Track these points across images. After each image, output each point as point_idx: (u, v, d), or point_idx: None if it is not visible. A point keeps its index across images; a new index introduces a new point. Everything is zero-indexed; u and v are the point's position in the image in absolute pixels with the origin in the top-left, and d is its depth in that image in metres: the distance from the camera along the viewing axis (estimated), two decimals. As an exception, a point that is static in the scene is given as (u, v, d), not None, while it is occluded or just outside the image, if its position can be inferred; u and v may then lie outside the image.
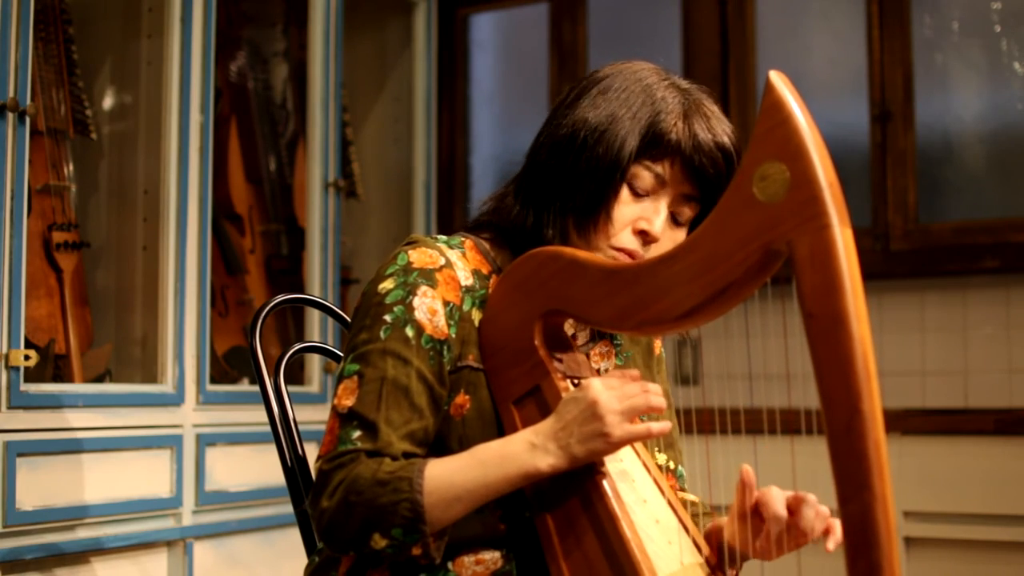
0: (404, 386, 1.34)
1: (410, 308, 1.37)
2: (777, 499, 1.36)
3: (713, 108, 1.43)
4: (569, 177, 1.40)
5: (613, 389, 1.30)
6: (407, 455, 1.34)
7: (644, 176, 1.40)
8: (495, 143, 3.90)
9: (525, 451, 1.30)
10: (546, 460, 1.29)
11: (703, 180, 1.40)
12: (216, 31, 2.70)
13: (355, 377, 1.36)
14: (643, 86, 1.41)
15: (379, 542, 1.30)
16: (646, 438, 1.31)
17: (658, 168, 1.39)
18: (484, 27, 3.94)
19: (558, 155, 1.41)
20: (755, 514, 1.38)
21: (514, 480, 1.30)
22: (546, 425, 1.31)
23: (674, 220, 1.43)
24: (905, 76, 3.25)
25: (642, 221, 1.40)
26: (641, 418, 1.38)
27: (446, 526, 1.31)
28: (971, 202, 3.25)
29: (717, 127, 1.40)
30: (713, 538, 1.43)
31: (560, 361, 1.41)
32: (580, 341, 1.51)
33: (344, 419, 1.35)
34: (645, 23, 3.68)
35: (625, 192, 1.40)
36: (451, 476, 1.30)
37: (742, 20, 3.45)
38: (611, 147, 1.38)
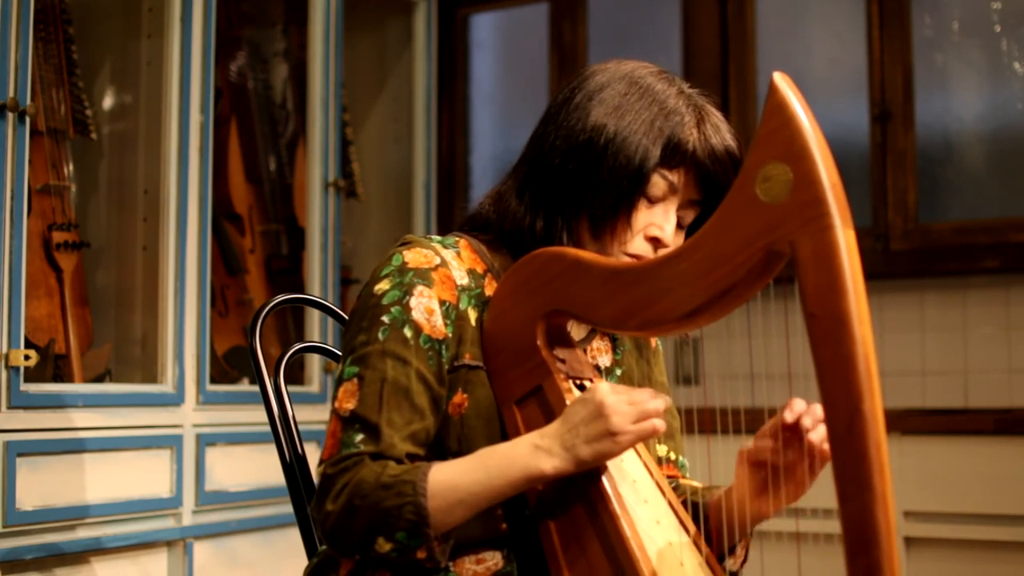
0: (404, 387, 1.34)
1: (407, 308, 1.37)
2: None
3: (718, 113, 1.43)
4: (588, 184, 1.39)
5: (621, 393, 1.30)
6: (410, 456, 1.34)
7: (659, 184, 1.40)
8: (495, 143, 3.90)
9: (529, 453, 1.30)
10: (550, 462, 1.29)
11: (710, 186, 1.41)
12: (216, 31, 2.70)
13: (355, 379, 1.36)
14: (654, 92, 1.41)
15: (383, 546, 1.30)
16: (653, 435, 1.30)
17: (672, 176, 1.40)
18: (484, 27, 3.94)
19: (576, 160, 1.40)
20: (755, 464, 1.39)
21: (517, 483, 1.30)
22: (552, 428, 1.31)
23: (677, 224, 1.44)
24: (905, 76, 3.25)
25: (653, 227, 1.41)
26: None
27: (451, 529, 1.31)
28: (971, 202, 3.25)
29: (726, 134, 1.42)
30: (720, 505, 1.43)
31: (562, 361, 1.41)
32: (578, 336, 1.51)
33: (346, 422, 1.34)
34: (645, 23, 3.68)
35: (641, 199, 1.40)
36: (455, 479, 1.29)
37: (742, 20, 3.45)
38: (633, 156, 1.37)
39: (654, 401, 1.29)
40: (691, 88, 1.45)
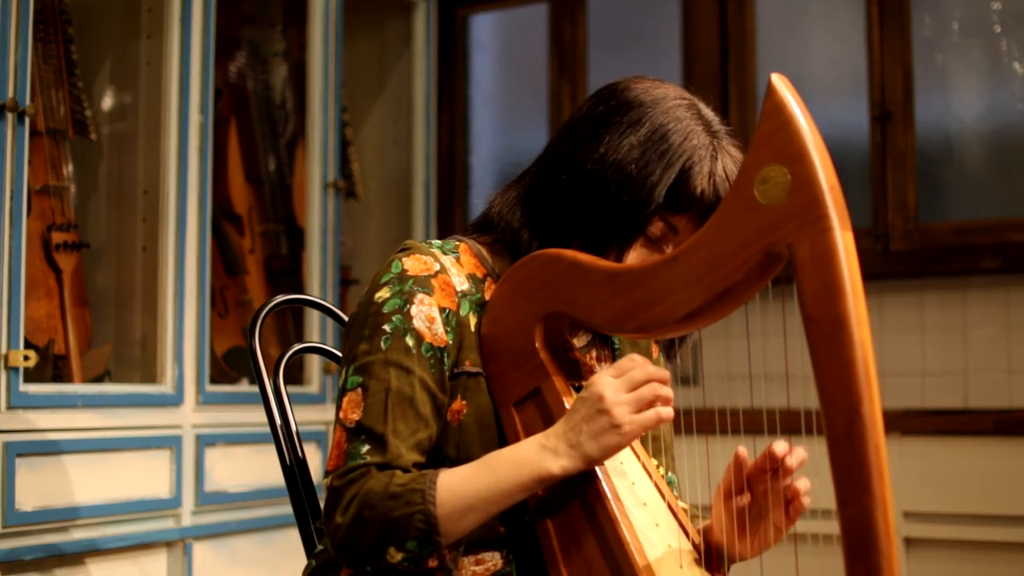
0: (409, 396, 1.34)
1: (408, 317, 1.36)
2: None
3: (736, 154, 1.40)
4: (586, 216, 1.38)
5: (618, 378, 1.29)
6: (416, 465, 1.34)
7: (659, 226, 1.38)
8: (495, 143, 3.90)
9: (536, 454, 1.30)
10: (558, 462, 1.29)
11: None
12: (216, 31, 2.70)
13: (359, 390, 1.35)
14: (678, 129, 1.36)
15: (395, 556, 1.29)
16: (657, 424, 1.30)
17: (674, 220, 1.38)
18: (484, 27, 3.93)
19: (579, 190, 1.38)
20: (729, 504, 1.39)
21: (527, 485, 1.30)
22: (557, 427, 1.31)
23: None
24: (905, 76, 3.25)
25: None
26: None
27: (462, 536, 1.31)
28: (971, 202, 3.24)
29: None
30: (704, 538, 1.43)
31: (561, 363, 1.41)
32: (579, 344, 1.51)
33: (352, 433, 1.34)
34: (645, 23, 3.67)
35: (637, 240, 1.38)
36: (463, 485, 1.29)
37: (742, 20, 3.45)
38: (636, 198, 1.35)
39: (652, 386, 1.28)
40: (716, 118, 1.41)
